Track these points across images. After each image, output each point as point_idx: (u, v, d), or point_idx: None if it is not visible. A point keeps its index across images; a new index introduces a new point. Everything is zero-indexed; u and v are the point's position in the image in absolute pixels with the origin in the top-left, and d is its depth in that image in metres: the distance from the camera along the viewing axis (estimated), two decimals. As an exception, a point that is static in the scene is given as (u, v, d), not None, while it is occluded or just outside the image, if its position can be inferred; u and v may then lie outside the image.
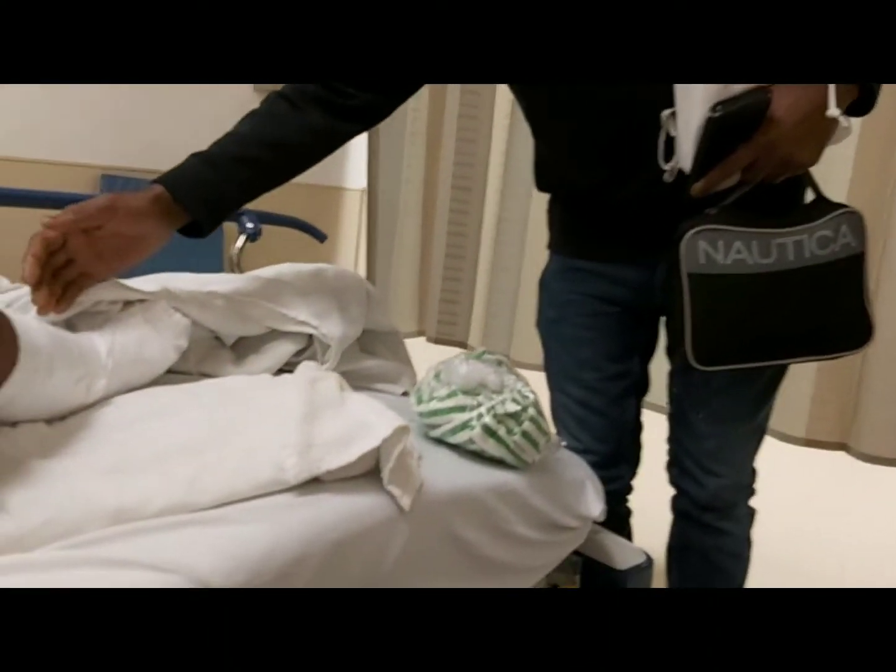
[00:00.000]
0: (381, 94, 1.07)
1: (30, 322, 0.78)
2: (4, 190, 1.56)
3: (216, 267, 1.94)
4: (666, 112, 0.93)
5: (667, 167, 0.95)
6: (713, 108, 0.85)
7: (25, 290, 0.98)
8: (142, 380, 0.92)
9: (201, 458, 0.76)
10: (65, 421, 0.82)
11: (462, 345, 2.67)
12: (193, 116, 2.32)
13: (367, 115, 1.09)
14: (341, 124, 1.06)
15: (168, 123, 2.28)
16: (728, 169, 0.90)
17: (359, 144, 2.69)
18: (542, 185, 1.20)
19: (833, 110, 0.84)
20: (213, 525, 0.71)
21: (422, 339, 2.66)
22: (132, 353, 0.91)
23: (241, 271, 1.62)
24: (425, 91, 2.54)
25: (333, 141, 1.08)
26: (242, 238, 1.56)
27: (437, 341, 2.68)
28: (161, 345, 0.95)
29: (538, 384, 1.37)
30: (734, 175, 0.91)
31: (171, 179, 0.97)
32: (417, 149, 2.60)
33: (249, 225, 1.56)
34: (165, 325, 0.96)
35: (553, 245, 1.26)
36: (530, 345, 2.38)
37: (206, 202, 0.98)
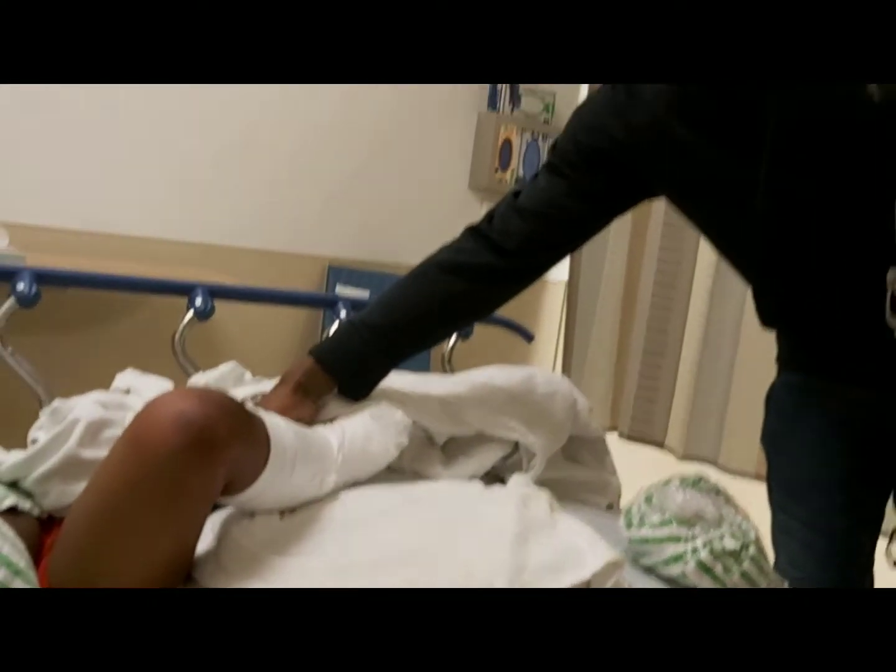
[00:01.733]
0: (549, 253, 1.09)
1: (278, 421, 0.86)
2: (233, 287, 1.69)
3: (424, 363, 2.03)
4: (893, 274, 0.87)
5: (895, 325, 0.90)
6: None
7: (266, 385, 1.08)
8: (365, 475, 0.98)
9: (418, 567, 0.79)
10: (294, 514, 0.88)
11: (658, 444, 2.57)
12: (414, 211, 2.49)
13: (529, 276, 1.11)
14: (498, 289, 1.09)
15: (392, 217, 2.46)
16: None
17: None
18: (765, 320, 1.12)
19: None
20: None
21: (614, 435, 2.60)
22: (359, 449, 0.97)
23: (453, 369, 1.68)
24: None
25: (488, 306, 1.12)
26: (454, 336, 1.63)
27: (630, 438, 2.60)
28: (384, 442, 1.00)
29: (752, 494, 1.28)
30: None
31: (323, 353, 1.04)
32: (621, 241, 2.59)
33: (462, 324, 1.64)
34: (389, 422, 1.01)
35: (781, 359, 1.20)
36: (742, 450, 2.24)
37: (354, 374, 1.04)
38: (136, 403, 0.93)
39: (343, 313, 1.53)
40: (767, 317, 1.11)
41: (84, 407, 0.89)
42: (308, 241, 2.34)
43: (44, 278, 1.33)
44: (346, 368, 1.04)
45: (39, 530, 0.83)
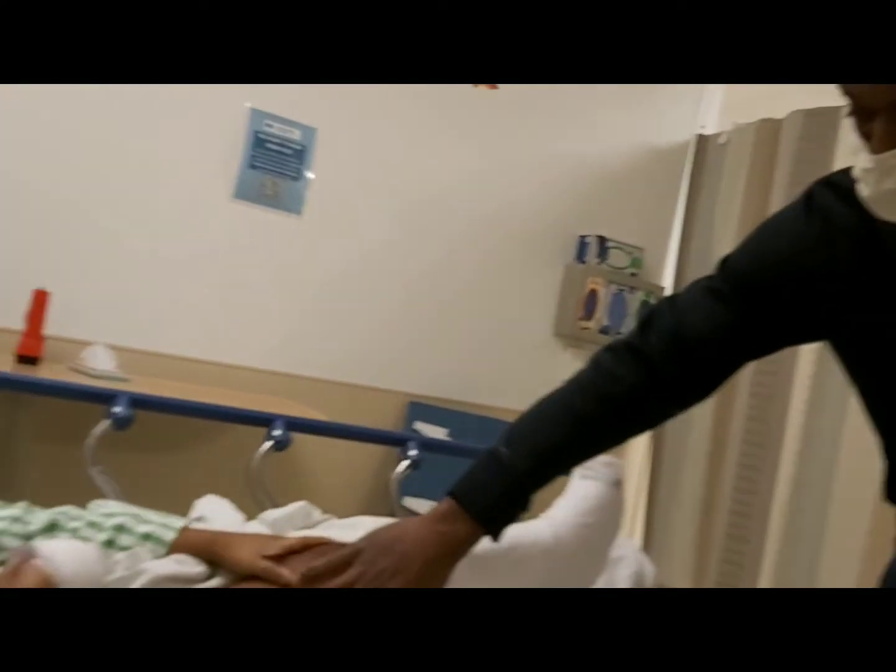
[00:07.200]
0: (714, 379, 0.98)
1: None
2: (311, 421, 1.70)
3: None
4: None
5: None
6: None
7: (335, 527, 1.05)
8: None
9: None
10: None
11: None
12: (498, 354, 2.55)
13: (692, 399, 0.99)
14: (657, 414, 0.99)
15: (475, 358, 2.51)
16: None
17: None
18: (892, 496, 1.01)
19: None
20: None
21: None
22: None
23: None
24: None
25: (646, 427, 1.01)
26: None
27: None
28: None
29: None
30: None
31: (465, 494, 0.92)
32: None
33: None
34: None
35: None
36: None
37: (495, 519, 0.93)
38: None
39: (413, 452, 1.55)
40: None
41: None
42: (390, 378, 2.42)
43: (138, 403, 1.42)
44: (492, 518, 0.93)
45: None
